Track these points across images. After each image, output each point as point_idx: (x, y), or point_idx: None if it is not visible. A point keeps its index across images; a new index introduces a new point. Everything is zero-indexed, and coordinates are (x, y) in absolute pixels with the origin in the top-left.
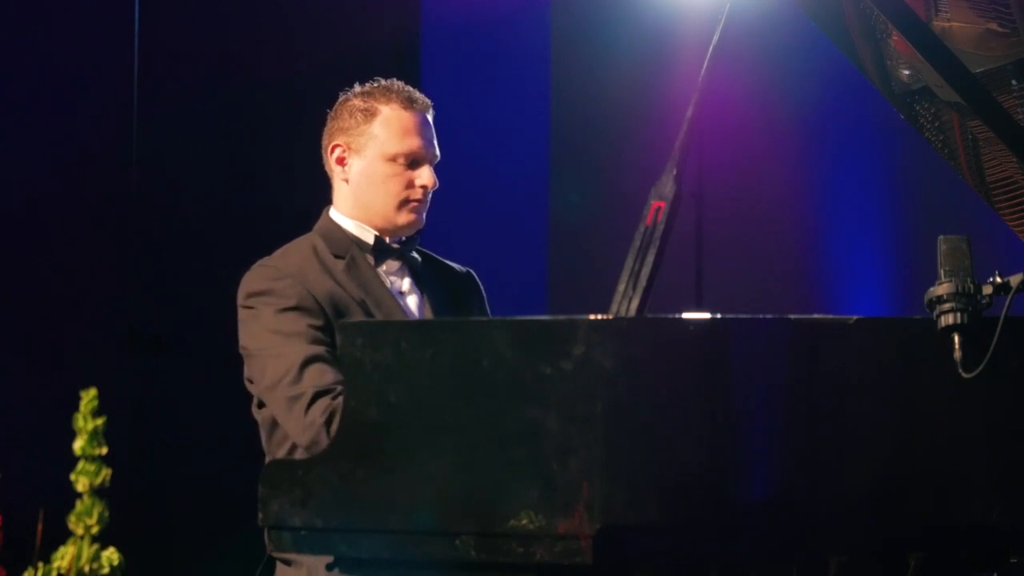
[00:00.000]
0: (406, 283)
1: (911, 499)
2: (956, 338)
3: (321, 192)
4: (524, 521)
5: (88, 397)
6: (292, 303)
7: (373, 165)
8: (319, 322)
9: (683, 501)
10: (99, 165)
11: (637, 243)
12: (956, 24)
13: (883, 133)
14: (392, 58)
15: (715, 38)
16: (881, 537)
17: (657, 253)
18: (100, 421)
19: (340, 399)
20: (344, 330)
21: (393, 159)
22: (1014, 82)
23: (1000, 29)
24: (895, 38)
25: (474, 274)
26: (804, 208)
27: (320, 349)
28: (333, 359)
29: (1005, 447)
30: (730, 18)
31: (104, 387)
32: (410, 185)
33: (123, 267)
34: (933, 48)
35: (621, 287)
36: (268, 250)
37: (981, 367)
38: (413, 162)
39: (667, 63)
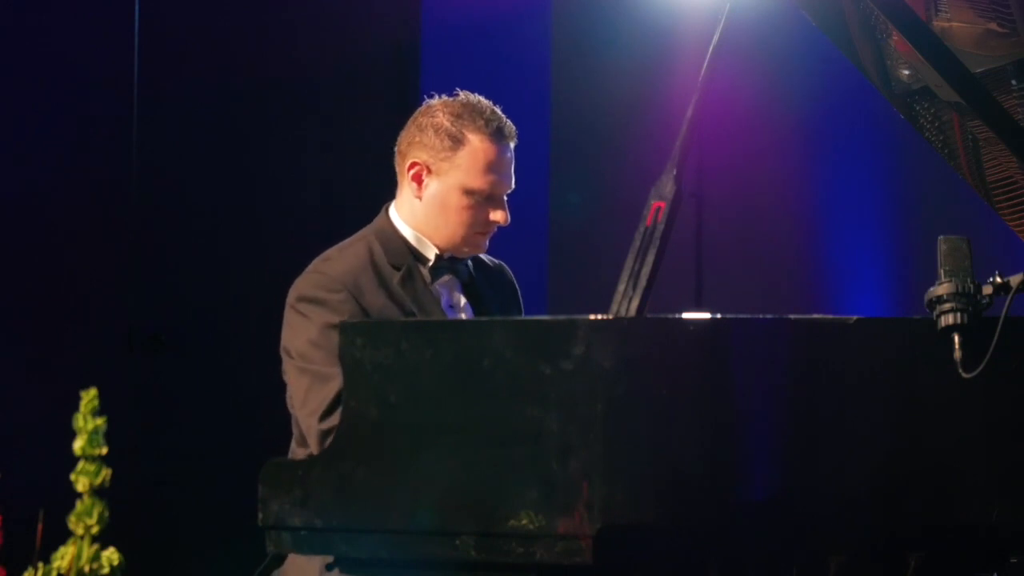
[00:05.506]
0: (459, 298)
1: (911, 499)
2: (956, 338)
3: (322, 191)
4: (524, 521)
5: (88, 397)
6: (342, 320)
7: (450, 193)
8: None
9: (683, 501)
10: (99, 165)
11: (637, 243)
12: (956, 24)
13: (883, 133)
14: (392, 58)
15: (715, 38)
16: (881, 537)
17: (657, 253)
18: (100, 421)
19: None
20: (344, 330)
21: (471, 193)
22: (1014, 82)
23: (1000, 29)
24: (895, 38)
25: (506, 267)
26: (804, 208)
27: None
28: None
29: (1005, 447)
30: (730, 18)
31: (104, 387)
32: (483, 220)
33: (123, 267)
34: (933, 48)
35: (621, 287)
36: (268, 250)
37: (981, 367)
38: (490, 197)
39: (667, 63)
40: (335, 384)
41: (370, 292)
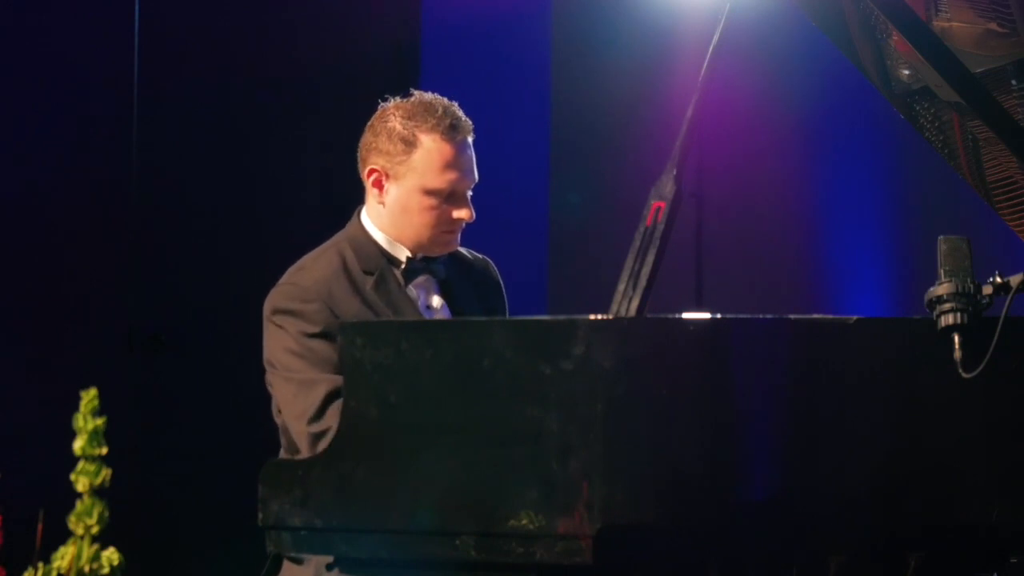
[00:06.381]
0: (435, 299)
1: (911, 499)
2: (956, 338)
3: (322, 191)
4: (524, 521)
5: (88, 397)
6: (318, 329)
7: (410, 195)
8: None
9: (683, 501)
10: (99, 165)
11: (637, 243)
12: (956, 24)
13: (883, 133)
14: (392, 58)
15: (715, 38)
16: (881, 537)
17: (657, 253)
18: (100, 421)
19: None
20: (344, 330)
21: (431, 193)
22: (1014, 82)
23: (1000, 29)
24: (895, 38)
25: (492, 264)
26: (804, 208)
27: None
28: None
29: (1005, 447)
30: (730, 18)
31: (104, 387)
32: (447, 219)
33: (123, 267)
34: (933, 48)
35: (621, 287)
36: (268, 250)
37: (981, 367)
38: (451, 195)
39: (667, 63)
40: (321, 388)
41: (343, 300)
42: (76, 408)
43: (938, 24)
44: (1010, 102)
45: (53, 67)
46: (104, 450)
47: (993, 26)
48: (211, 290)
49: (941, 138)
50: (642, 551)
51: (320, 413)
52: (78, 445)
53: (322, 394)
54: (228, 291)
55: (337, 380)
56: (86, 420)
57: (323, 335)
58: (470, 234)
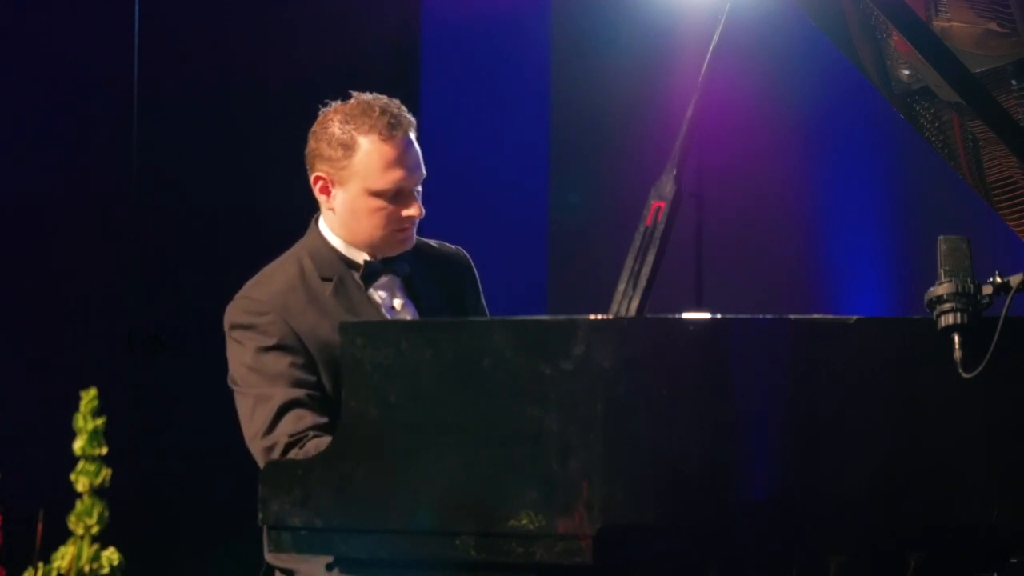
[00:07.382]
0: (397, 301)
1: (911, 499)
2: (956, 338)
3: None
4: (524, 521)
5: (88, 397)
6: (273, 342)
7: (356, 199)
8: (301, 360)
9: (683, 501)
10: (99, 165)
11: (637, 243)
12: (956, 24)
13: (883, 133)
14: (392, 58)
15: (715, 38)
16: (881, 537)
17: (657, 253)
18: (100, 421)
19: (310, 443)
20: (344, 330)
21: (377, 195)
22: (1014, 82)
23: (1000, 29)
24: (895, 38)
25: (465, 254)
26: (804, 208)
27: (299, 392)
28: (313, 400)
29: (1005, 447)
30: (730, 18)
31: (104, 387)
32: (396, 218)
33: (123, 267)
34: (933, 48)
35: (621, 287)
36: (268, 250)
37: (981, 367)
38: (398, 194)
39: (667, 63)
40: (274, 403)
41: (299, 313)
42: (76, 408)
43: (938, 24)
44: (1010, 102)
45: (53, 67)
46: (104, 450)
47: (993, 26)
48: (211, 290)
49: (941, 138)
50: (642, 551)
51: (271, 428)
52: (78, 445)
53: (274, 408)
54: (228, 291)
55: (292, 393)
56: (86, 420)
57: (278, 347)
58: (472, 234)
